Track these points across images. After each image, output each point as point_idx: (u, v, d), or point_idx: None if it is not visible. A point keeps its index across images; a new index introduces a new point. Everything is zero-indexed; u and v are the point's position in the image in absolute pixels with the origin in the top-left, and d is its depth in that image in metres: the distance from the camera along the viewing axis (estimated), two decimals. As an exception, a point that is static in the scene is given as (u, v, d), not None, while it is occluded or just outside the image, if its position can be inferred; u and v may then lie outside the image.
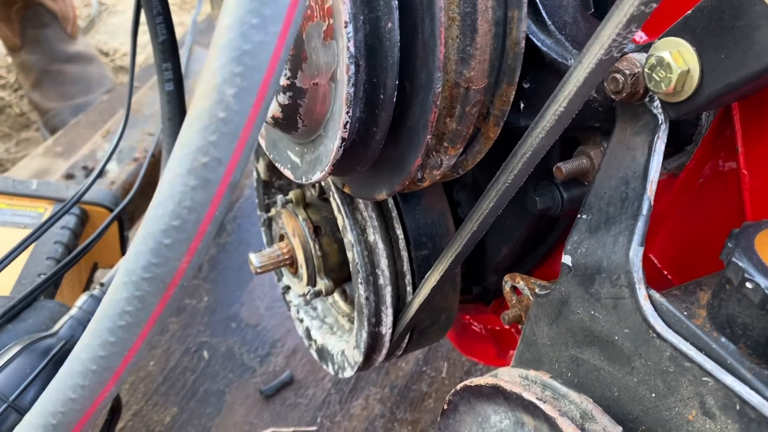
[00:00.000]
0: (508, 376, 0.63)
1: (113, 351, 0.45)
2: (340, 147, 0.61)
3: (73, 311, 0.92)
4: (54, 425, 0.48)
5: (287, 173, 0.74)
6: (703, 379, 0.51)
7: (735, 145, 0.61)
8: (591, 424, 0.56)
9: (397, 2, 0.54)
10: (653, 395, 0.55)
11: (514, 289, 0.81)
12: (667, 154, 0.67)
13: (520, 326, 0.82)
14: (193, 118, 0.39)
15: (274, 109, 0.65)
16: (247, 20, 0.37)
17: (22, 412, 0.80)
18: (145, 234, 0.42)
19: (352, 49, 0.55)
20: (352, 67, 0.56)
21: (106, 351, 0.45)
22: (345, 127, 0.59)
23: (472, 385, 0.64)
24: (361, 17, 0.55)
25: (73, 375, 0.47)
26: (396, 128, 0.62)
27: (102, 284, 0.96)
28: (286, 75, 0.61)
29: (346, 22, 0.54)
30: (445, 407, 0.70)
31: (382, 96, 0.58)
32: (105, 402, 0.48)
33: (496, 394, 0.62)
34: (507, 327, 1.05)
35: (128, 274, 0.43)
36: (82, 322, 0.90)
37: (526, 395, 0.58)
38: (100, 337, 0.45)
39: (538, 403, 0.57)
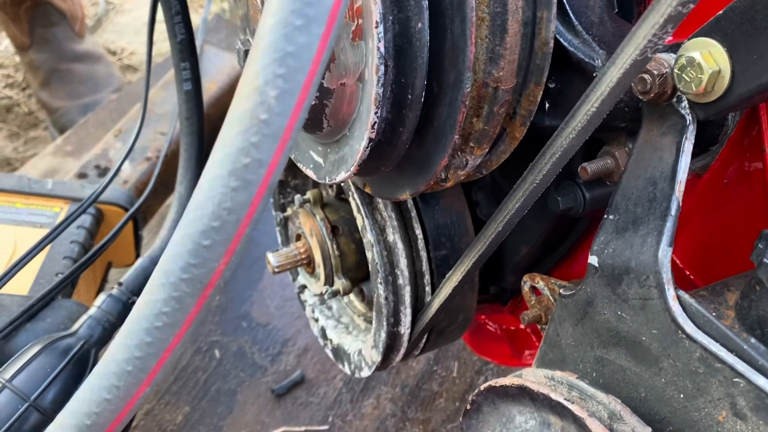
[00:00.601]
0: (534, 377, 0.63)
1: (149, 352, 0.45)
2: (367, 147, 0.61)
3: (92, 311, 0.92)
4: (88, 426, 0.48)
5: (309, 173, 0.74)
6: (734, 380, 0.51)
7: (762, 146, 0.62)
8: (619, 424, 0.56)
9: (427, 2, 0.54)
10: (682, 396, 0.56)
11: (534, 290, 0.81)
12: (693, 154, 0.67)
13: (539, 326, 0.83)
14: (234, 120, 0.39)
15: (299, 110, 0.65)
16: (290, 21, 0.37)
17: (42, 412, 0.80)
18: (183, 235, 0.42)
19: (382, 49, 0.55)
20: (382, 68, 0.56)
21: (142, 352, 0.45)
22: (373, 127, 0.59)
23: (497, 385, 0.64)
24: (391, 17, 0.55)
25: (109, 375, 0.47)
26: (422, 128, 0.62)
27: (120, 284, 0.96)
28: (313, 75, 0.61)
29: (377, 23, 0.54)
30: (468, 407, 0.70)
31: (410, 96, 0.58)
32: (139, 403, 0.48)
33: (522, 394, 0.62)
34: (523, 327, 1.05)
35: (166, 275, 0.43)
36: (101, 322, 0.91)
37: (554, 396, 0.58)
38: (137, 337, 0.45)
39: (566, 403, 0.57)
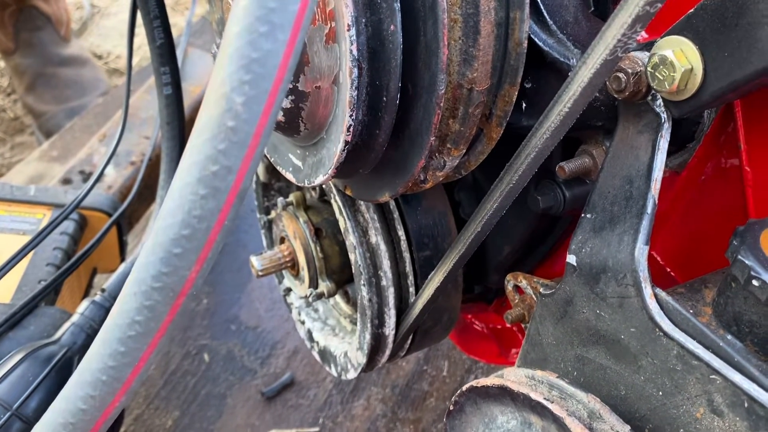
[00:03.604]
0: (514, 377, 0.64)
1: (123, 361, 0.45)
2: (344, 150, 0.61)
3: (75, 318, 0.91)
4: (64, 435, 0.48)
5: (289, 176, 0.74)
6: (711, 377, 0.52)
7: (737, 142, 0.62)
8: (599, 423, 0.57)
9: (399, 5, 0.54)
10: (660, 393, 0.56)
11: (517, 288, 0.81)
12: (669, 152, 0.67)
13: (522, 325, 0.83)
14: (201, 127, 0.39)
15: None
16: (255, 28, 0.37)
17: (25, 420, 0.80)
18: (154, 244, 0.42)
19: (354, 52, 0.55)
20: (355, 71, 0.56)
21: (116, 361, 0.45)
22: (348, 130, 0.59)
23: (479, 385, 0.65)
24: (364, 20, 0.55)
25: (83, 385, 0.46)
26: (399, 130, 0.62)
27: (103, 290, 0.96)
28: (288, 79, 0.61)
29: (348, 26, 0.53)
30: (451, 408, 0.70)
31: (384, 99, 0.58)
32: (115, 412, 0.48)
33: (503, 394, 0.62)
34: (509, 326, 1.05)
35: (138, 283, 0.43)
36: (84, 329, 0.90)
37: (534, 395, 0.58)
38: (110, 347, 0.45)
39: (545, 403, 0.57)
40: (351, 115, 0.58)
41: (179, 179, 0.40)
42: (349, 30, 0.54)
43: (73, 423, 0.47)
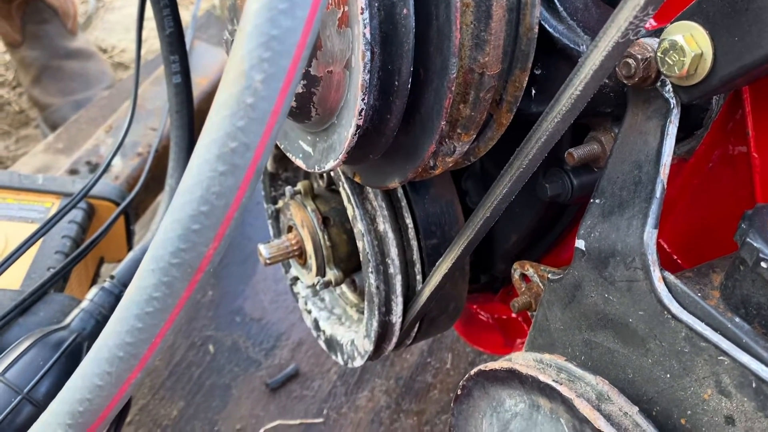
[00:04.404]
0: (522, 360, 0.64)
1: (140, 337, 0.46)
2: (355, 134, 0.62)
3: (85, 304, 0.92)
4: (81, 412, 0.48)
5: (299, 163, 0.75)
6: (719, 358, 0.52)
7: (745, 129, 0.62)
8: (607, 404, 0.57)
9: (412, -11, 0.55)
10: (668, 376, 0.56)
11: (524, 277, 0.81)
12: (677, 139, 0.68)
13: (529, 313, 0.83)
14: (220, 104, 0.40)
15: (287, 99, 0.66)
16: (275, 5, 0.37)
17: (35, 404, 0.80)
18: (172, 220, 0.42)
19: (368, 35, 0.55)
20: (368, 54, 0.56)
21: (133, 337, 0.46)
22: (360, 114, 0.60)
23: (487, 369, 0.65)
24: (377, 4, 0.56)
25: (100, 362, 0.47)
26: (410, 115, 0.62)
27: (112, 276, 0.96)
28: (300, 64, 0.61)
29: (362, 9, 0.54)
30: (459, 392, 0.70)
31: (396, 83, 0.59)
32: (131, 389, 0.48)
33: (512, 377, 0.63)
34: (514, 316, 1.06)
35: (156, 260, 0.43)
36: (94, 315, 0.91)
37: (543, 378, 0.59)
38: (128, 323, 0.45)
39: (554, 385, 0.58)
40: (363, 99, 0.58)
41: (198, 156, 0.41)
42: (362, 13, 0.54)
43: (90, 399, 0.48)
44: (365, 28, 0.55)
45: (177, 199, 0.42)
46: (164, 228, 0.43)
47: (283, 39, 0.38)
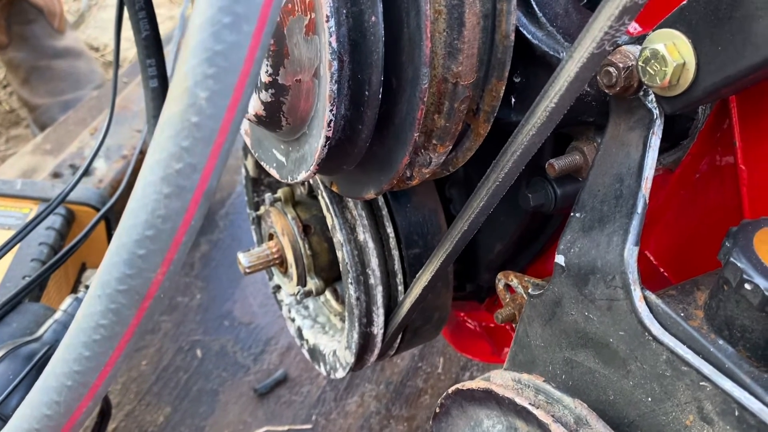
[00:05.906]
0: (501, 380, 0.62)
1: (89, 366, 0.43)
2: (325, 146, 0.59)
3: (58, 315, 0.90)
4: (29, 442, 0.46)
5: (273, 172, 0.72)
6: (701, 383, 0.50)
7: (732, 140, 0.60)
8: (585, 429, 0.55)
9: (381, -5, 0.52)
10: (649, 399, 0.54)
11: (508, 287, 0.79)
12: (663, 149, 0.66)
13: (513, 324, 0.81)
14: (164, 123, 0.37)
15: (256, 107, 0.63)
16: (218, 19, 0.35)
17: (5, 419, 0.78)
18: (118, 245, 0.40)
19: (334, 44, 0.53)
20: (335, 63, 0.54)
21: (81, 366, 0.43)
22: (329, 125, 0.57)
23: (464, 389, 0.63)
24: (344, 11, 0.53)
25: (48, 391, 0.45)
26: (383, 126, 0.60)
27: (87, 287, 0.94)
28: (267, 71, 0.59)
29: (327, 17, 0.52)
30: (437, 411, 0.68)
31: (367, 93, 0.56)
32: (82, 418, 0.46)
33: (489, 398, 0.60)
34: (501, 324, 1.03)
35: (102, 286, 0.41)
36: (67, 326, 0.88)
37: (519, 400, 0.57)
38: (75, 351, 0.43)
39: (530, 408, 0.55)
40: (332, 110, 0.56)
41: (142, 178, 0.39)
42: (328, 21, 0.52)
43: (38, 429, 0.46)
44: (331, 36, 0.52)
45: (122, 222, 0.40)
46: (110, 252, 0.41)
47: (228, 54, 0.35)
